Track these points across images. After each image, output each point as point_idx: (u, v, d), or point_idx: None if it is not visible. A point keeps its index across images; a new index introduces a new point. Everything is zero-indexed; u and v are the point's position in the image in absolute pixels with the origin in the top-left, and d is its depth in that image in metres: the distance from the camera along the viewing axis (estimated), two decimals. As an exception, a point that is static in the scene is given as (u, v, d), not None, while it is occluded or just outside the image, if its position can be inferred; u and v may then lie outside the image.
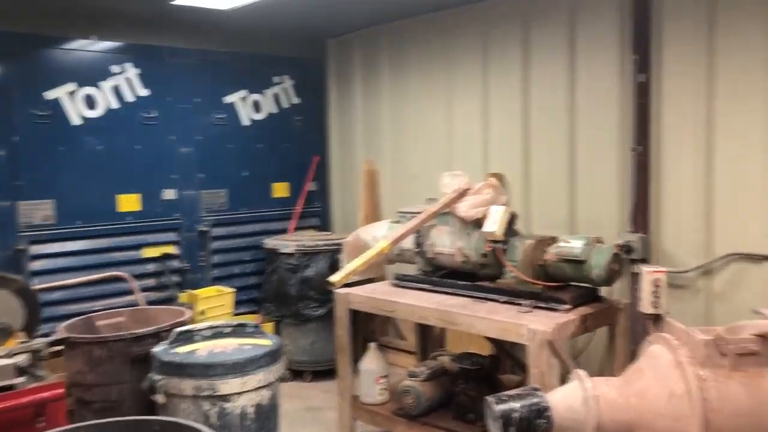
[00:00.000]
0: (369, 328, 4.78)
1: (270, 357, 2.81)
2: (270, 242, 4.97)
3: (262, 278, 5.07)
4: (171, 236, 4.86)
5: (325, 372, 4.69)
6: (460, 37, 4.44)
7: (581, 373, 2.40)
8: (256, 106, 5.29)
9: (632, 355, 3.29)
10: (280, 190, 5.47)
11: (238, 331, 3.05)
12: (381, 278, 4.20)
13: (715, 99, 3.29)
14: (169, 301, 4.63)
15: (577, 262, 2.89)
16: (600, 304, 3.04)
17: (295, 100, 5.52)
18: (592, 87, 3.75)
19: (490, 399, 2.27)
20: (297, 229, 5.42)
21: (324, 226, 5.68)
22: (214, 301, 4.61)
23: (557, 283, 3.00)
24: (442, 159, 4.58)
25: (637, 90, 3.53)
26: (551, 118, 3.94)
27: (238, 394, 2.66)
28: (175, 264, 4.83)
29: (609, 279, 2.89)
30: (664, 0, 3.44)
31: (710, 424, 2.15)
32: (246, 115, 5.23)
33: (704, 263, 3.36)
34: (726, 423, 2.16)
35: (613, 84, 3.65)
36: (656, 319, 2.60)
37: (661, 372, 2.32)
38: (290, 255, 4.76)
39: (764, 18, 3.10)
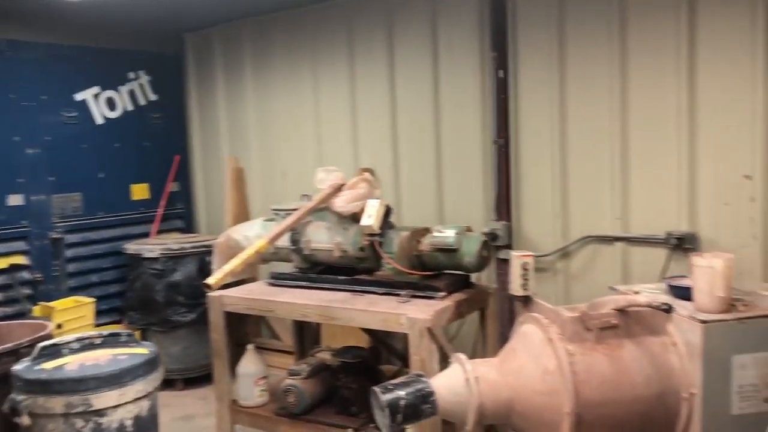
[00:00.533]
0: (241, 330, 4.67)
1: (148, 366, 2.67)
2: (132, 247, 4.72)
3: (124, 286, 4.80)
4: (19, 245, 4.48)
5: (198, 379, 4.53)
6: (325, 33, 4.45)
7: (461, 356, 2.49)
8: (111, 104, 4.99)
9: (502, 337, 3.47)
10: (140, 191, 5.21)
11: (111, 341, 2.87)
12: (253, 279, 4.12)
13: (567, 94, 3.55)
14: (20, 316, 4.26)
15: (451, 251, 3.00)
16: (472, 290, 3.18)
17: (153, 97, 5.27)
18: (455, 83, 3.91)
19: (376, 389, 2.30)
20: (160, 232, 5.19)
21: (188, 228, 5.48)
22: (73, 313, 4.30)
23: (432, 271, 3.10)
24: (311, 155, 4.57)
25: (497, 85, 3.72)
26: (417, 113, 4.06)
27: (115, 407, 2.51)
28: (26, 275, 4.46)
29: (480, 265, 3.03)
30: (519, 1, 3.65)
31: (580, 395, 2.31)
32: (99, 113, 4.93)
33: (562, 246, 3.61)
34: (593, 393, 2.34)
35: (474, 80, 3.83)
36: (526, 300, 2.74)
37: (534, 350, 2.46)
38: (155, 260, 4.55)
39: (609, 17, 3.37)
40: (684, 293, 2.59)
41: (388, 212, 3.20)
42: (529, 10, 3.62)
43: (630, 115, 3.37)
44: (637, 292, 2.78)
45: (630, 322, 2.47)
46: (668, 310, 2.34)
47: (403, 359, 3.41)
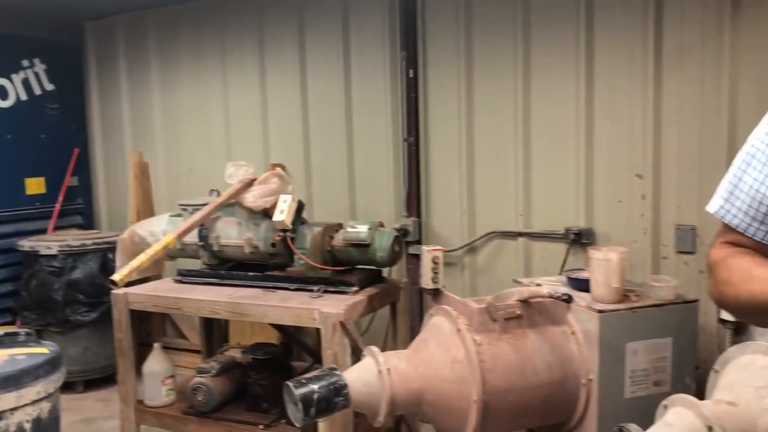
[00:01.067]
0: (145, 330, 4.54)
1: (49, 366, 2.55)
2: (26, 244, 4.47)
3: (18, 285, 4.55)
4: None
5: (99, 380, 4.36)
6: (234, 27, 4.39)
7: (374, 349, 2.53)
8: (2, 93, 4.71)
9: (412, 330, 3.55)
10: (35, 186, 4.94)
11: (8, 340, 2.72)
12: (158, 276, 4.01)
13: (474, 95, 3.67)
14: None
15: (364, 246, 3.04)
16: (384, 285, 3.23)
17: (49, 87, 5.00)
18: (366, 81, 3.96)
19: (289, 383, 2.30)
20: (57, 228, 4.94)
21: (89, 224, 5.25)
22: (-41, 315, 4.04)
23: (345, 267, 3.12)
24: (219, 150, 4.49)
25: (407, 84, 3.79)
26: (329, 110, 4.08)
27: (13, 410, 2.37)
28: None
29: (392, 260, 3.08)
30: (428, 2, 3.74)
31: (486, 383, 2.41)
32: (-11, 103, 4.64)
33: (469, 242, 3.73)
34: (499, 380, 2.44)
35: (385, 78, 3.89)
36: (436, 293, 2.83)
37: (443, 340, 2.54)
38: (53, 257, 4.34)
39: (513, 24, 3.52)
40: (582, 285, 2.74)
41: (300, 208, 3.20)
42: (439, 12, 3.71)
43: (533, 117, 3.53)
44: (539, 285, 2.92)
45: (533, 313, 2.60)
46: (568, 300, 2.48)
47: (315, 355, 3.42)
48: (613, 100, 3.32)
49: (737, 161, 1.25)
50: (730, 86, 3.05)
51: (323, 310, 2.80)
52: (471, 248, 3.76)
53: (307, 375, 2.37)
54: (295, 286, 3.10)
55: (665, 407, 2.14)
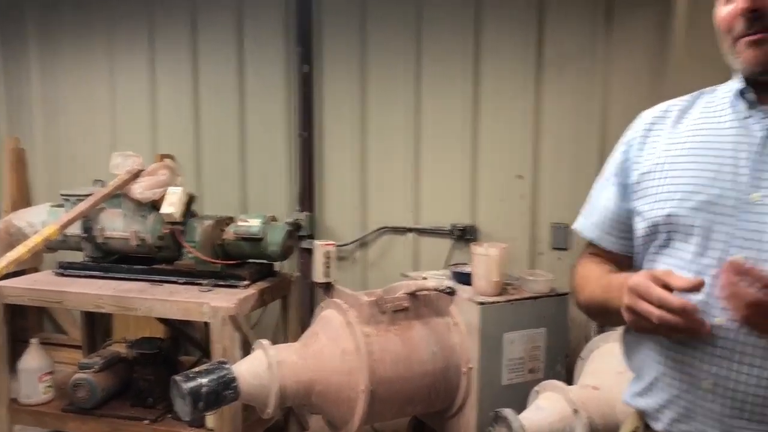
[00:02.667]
0: (20, 325, 4.31)
1: None
2: None
3: None
4: None
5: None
6: (122, 13, 4.23)
7: (264, 342, 2.57)
8: None
9: (303, 323, 3.60)
10: None
11: None
12: (35, 269, 3.83)
13: (368, 92, 3.75)
14: None
15: (255, 240, 3.05)
16: (275, 279, 3.25)
17: None
18: (260, 74, 3.94)
19: (177, 378, 2.29)
20: None
21: (-44, 213, 4.89)
22: None
23: (236, 260, 3.12)
24: (105, 139, 4.32)
25: (301, 79, 3.82)
26: (222, 102, 4.03)
27: None
28: None
29: (284, 255, 3.11)
30: (324, -2, 3.78)
31: (375, 373, 2.51)
32: None
33: (361, 236, 3.82)
34: (387, 370, 2.55)
35: (280, 72, 3.89)
36: (327, 287, 2.89)
37: (333, 333, 2.61)
38: None
39: (406, 23, 3.62)
40: (465, 278, 2.89)
41: (190, 200, 3.16)
42: (334, 8, 3.76)
43: (423, 117, 3.66)
44: (425, 278, 3.06)
45: (419, 305, 2.72)
46: (451, 293, 2.61)
47: (203, 349, 3.39)
48: (497, 104, 3.50)
49: (595, 183, 1.45)
50: (602, 94, 3.31)
51: (213, 304, 2.79)
52: (363, 243, 3.85)
53: (196, 369, 2.37)
54: (183, 279, 3.06)
55: (537, 392, 2.34)
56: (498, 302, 2.70)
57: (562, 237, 3.42)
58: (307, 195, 3.87)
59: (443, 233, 3.66)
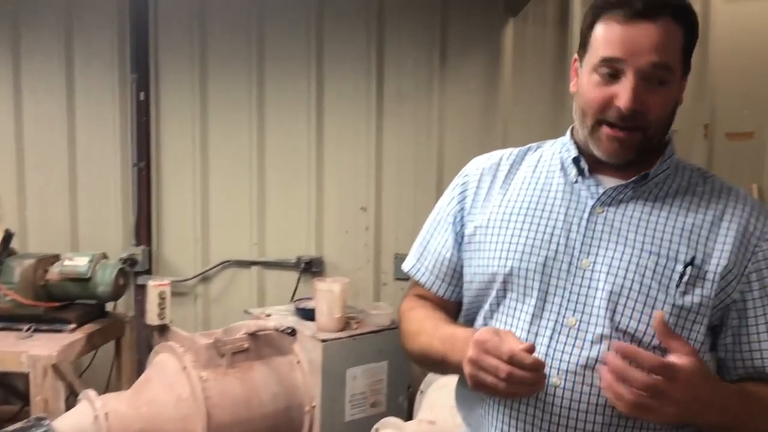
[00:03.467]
0: None
1: None
2: None
3: None
4: None
5: None
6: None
7: (90, 393, 2.40)
8: None
9: (140, 365, 3.40)
10: None
11: None
12: None
13: (209, 122, 3.63)
14: None
15: (83, 280, 2.85)
16: (107, 320, 3.06)
17: None
18: (93, 100, 3.70)
19: (-13, 439, 2.08)
20: None
21: None
22: None
23: (62, 302, 2.89)
24: None
25: (137, 107, 3.64)
26: (49, 128, 3.72)
27: None
28: None
29: (115, 294, 2.93)
30: (160, 20, 3.62)
31: (212, 418, 2.42)
32: None
33: (203, 271, 3.68)
34: (225, 414, 2.46)
35: (114, 100, 3.68)
36: (162, 329, 2.75)
37: (168, 379, 2.49)
38: None
39: (248, 55, 3.57)
40: (308, 314, 2.87)
41: (7, 238, 2.90)
42: (172, 36, 3.63)
43: (267, 149, 3.61)
44: (269, 315, 3.00)
45: (260, 345, 2.66)
46: (292, 333, 2.58)
47: (25, 398, 3.10)
48: (341, 138, 3.54)
49: (427, 224, 1.45)
50: (438, 128, 3.45)
51: (32, 352, 2.56)
52: (204, 277, 3.71)
53: (11, 427, 2.16)
54: (1, 325, 2.79)
55: (377, 430, 2.36)
56: (341, 338, 2.71)
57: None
58: (144, 228, 3.67)
59: (289, 266, 3.62)
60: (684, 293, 1.14)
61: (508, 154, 1.39)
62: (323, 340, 2.65)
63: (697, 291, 1.15)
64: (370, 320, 2.87)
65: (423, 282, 1.41)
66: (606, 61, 1.16)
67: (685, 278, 1.14)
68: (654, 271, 1.15)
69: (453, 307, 1.40)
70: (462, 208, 1.36)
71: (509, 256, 1.24)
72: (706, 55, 3.08)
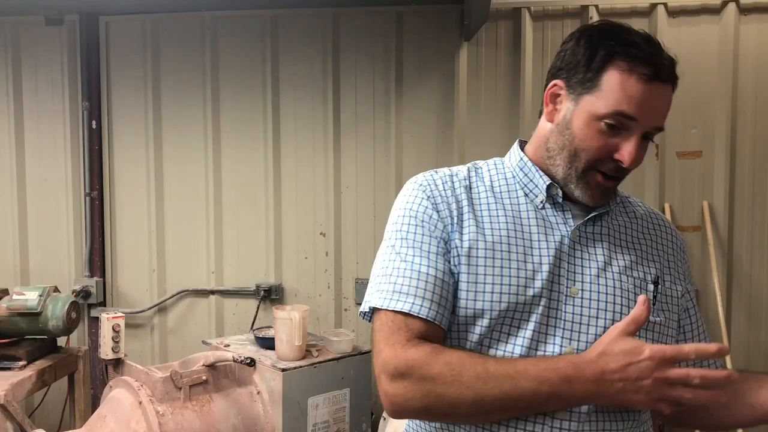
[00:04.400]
0: None
1: None
2: None
3: None
4: None
5: None
6: None
7: (41, 433, 2.31)
8: None
9: (94, 400, 3.30)
10: None
11: None
12: None
13: (163, 151, 3.58)
14: None
15: (33, 315, 2.76)
16: (59, 355, 2.96)
17: None
18: (42, 129, 3.62)
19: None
20: None
21: None
22: None
23: (10, 338, 2.79)
24: None
25: (89, 136, 3.56)
26: (-4, 161, 3.64)
27: None
28: None
29: (68, 329, 2.84)
30: (112, 47, 3.57)
31: (170, 455, 2.34)
32: None
33: (159, 301, 3.60)
34: (183, 450, 2.39)
35: (65, 128, 3.61)
36: (117, 363, 2.67)
37: (123, 415, 2.41)
38: None
39: (203, 77, 3.54)
40: (268, 343, 2.82)
41: (-48, 274, 2.79)
42: (124, 62, 3.58)
43: (223, 175, 3.56)
44: (228, 345, 2.94)
45: (219, 376, 2.60)
46: (251, 363, 2.53)
47: (-28, 441, 2.97)
48: (298, 163, 3.52)
49: (408, 254, 1.21)
50: (396, 150, 3.46)
51: (-21, 392, 2.46)
52: (161, 308, 3.63)
53: (-45, 474, 2.06)
54: (-57, 365, 2.68)
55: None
56: (301, 366, 2.66)
57: (365, 292, 3.48)
58: (98, 259, 3.59)
59: (248, 294, 3.56)
60: (658, 309, 1.21)
61: (455, 172, 1.28)
62: (283, 370, 2.60)
63: (665, 306, 1.22)
64: (332, 347, 2.83)
65: (438, 321, 1.15)
66: (619, 116, 1.11)
67: (658, 296, 1.21)
68: (634, 293, 1.19)
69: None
70: (444, 226, 1.20)
71: (503, 290, 1.15)
72: (654, 77, 3.17)
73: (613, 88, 1.11)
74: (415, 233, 1.21)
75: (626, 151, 1.12)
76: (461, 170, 1.29)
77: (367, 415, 2.86)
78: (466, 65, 3.39)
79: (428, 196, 1.23)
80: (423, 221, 1.21)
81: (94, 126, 3.56)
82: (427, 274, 1.16)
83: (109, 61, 3.60)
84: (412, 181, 1.28)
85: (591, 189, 1.17)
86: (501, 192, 1.26)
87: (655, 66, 1.11)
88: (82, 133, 3.58)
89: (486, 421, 1.14)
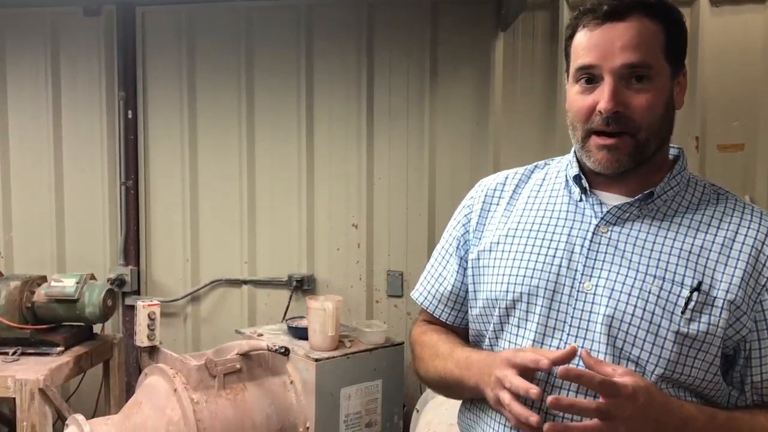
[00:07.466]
0: None
1: None
2: None
3: None
4: None
5: None
6: None
7: (78, 417, 2.34)
8: None
9: (129, 387, 3.34)
10: None
11: None
12: None
13: (198, 140, 3.60)
14: None
15: (70, 301, 2.79)
16: (95, 342, 3.00)
17: None
18: (79, 120, 3.66)
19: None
20: None
21: None
22: None
23: (49, 324, 2.84)
24: None
25: (125, 125, 3.60)
26: (34, 148, 3.68)
27: None
28: None
29: (104, 316, 2.87)
30: (148, 38, 3.60)
31: (204, 442, 2.36)
32: None
33: (192, 290, 3.63)
34: (217, 437, 2.40)
35: (101, 118, 3.65)
36: (152, 350, 2.70)
37: (158, 402, 2.43)
38: None
39: (237, 72, 3.55)
40: (301, 333, 2.83)
41: (-7, 260, 2.84)
42: (161, 53, 3.60)
43: (257, 167, 3.57)
44: (261, 335, 2.95)
45: (252, 365, 2.61)
46: (285, 353, 2.53)
47: (11, 424, 3.03)
48: (332, 155, 3.51)
49: (435, 251, 1.41)
50: (429, 144, 3.43)
51: (19, 376, 2.51)
52: (194, 297, 3.66)
53: (-4, 455, 2.10)
54: (-15, 349, 2.73)
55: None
56: (334, 357, 2.66)
57: (398, 284, 3.47)
58: (133, 248, 3.62)
59: (280, 284, 3.57)
60: (690, 320, 1.08)
61: (513, 173, 1.35)
62: (317, 360, 2.60)
63: (704, 318, 1.09)
64: (364, 338, 2.83)
65: (429, 309, 1.38)
66: (582, 69, 1.14)
67: (691, 304, 1.08)
68: (658, 297, 1.09)
69: (463, 332, 1.35)
70: (466, 232, 1.33)
71: (511, 281, 1.19)
72: (696, 68, 3.09)
73: (574, 50, 1.17)
74: (446, 238, 1.39)
75: (600, 97, 1.12)
76: (522, 170, 1.35)
77: (400, 406, 2.85)
78: (502, 56, 3.34)
79: (471, 196, 1.37)
80: (455, 227, 1.37)
81: (130, 116, 3.60)
82: (442, 275, 1.36)
83: (145, 51, 3.62)
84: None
85: (594, 154, 1.15)
86: (547, 188, 1.28)
87: (596, 11, 1.13)
88: (118, 122, 3.62)
89: (454, 397, 1.36)
